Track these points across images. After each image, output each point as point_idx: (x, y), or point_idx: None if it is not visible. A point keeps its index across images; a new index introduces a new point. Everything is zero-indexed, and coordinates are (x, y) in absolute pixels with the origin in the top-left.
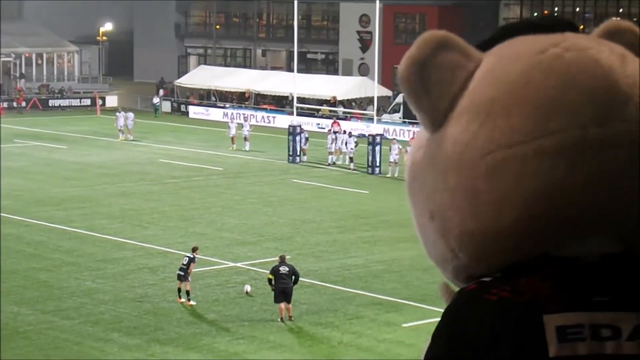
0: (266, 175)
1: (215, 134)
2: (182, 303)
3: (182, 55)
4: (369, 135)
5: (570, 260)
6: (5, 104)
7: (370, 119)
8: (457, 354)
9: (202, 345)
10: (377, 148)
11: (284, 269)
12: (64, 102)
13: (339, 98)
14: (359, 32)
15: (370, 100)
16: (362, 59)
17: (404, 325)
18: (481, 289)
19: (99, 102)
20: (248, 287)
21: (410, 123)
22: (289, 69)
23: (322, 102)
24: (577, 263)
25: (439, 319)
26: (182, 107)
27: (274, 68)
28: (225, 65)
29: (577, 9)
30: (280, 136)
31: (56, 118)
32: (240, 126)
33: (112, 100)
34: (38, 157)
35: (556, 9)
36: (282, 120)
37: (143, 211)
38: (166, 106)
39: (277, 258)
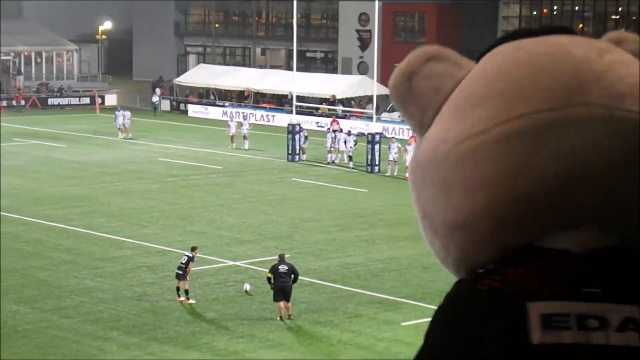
0: (265, 173)
1: (214, 133)
2: (181, 302)
3: (181, 53)
4: (368, 133)
5: (560, 252)
6: (4, 103)
7: (370, 118)
8: (452, 341)
9: (201, 344)
10: (376, 147)
11: (283, 268)
12: (63, 101)
13: (338, 97)
14: (358, 31)
15: (369, 99)
16: (362, 57)
17: (403, 323)
18: (475, 279)
19: (98, 100)
20: (247, 286)
21: None
22: (288, 67)
23: (321, 100)
24: (566, 255)
25: None
26: (181, 106)
27: (273, 67)
28: (225, 64)
29: (577, 8)
30: (280, 135)
31: (55, 117)
32: (239, 125)
33: (111, 99)
34: (37, 156)
35: (555, 7)
36: (282, 119)
37: (142, 210)
38: (165, 105)
39: (276, 257)
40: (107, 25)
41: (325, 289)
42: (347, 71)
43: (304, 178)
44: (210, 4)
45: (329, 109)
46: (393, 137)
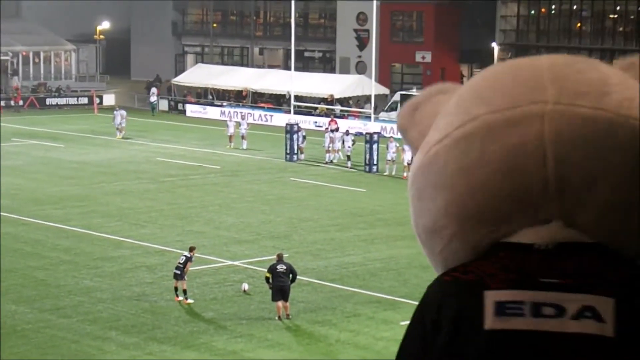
0: (263, 173)
1: (213, 133)
2: (179, 302)
3: (179, 53)
4: (366, 133)
5: (524, 245)
6: (3, 103)
7: (368, 117)
8: (416, 330)
9: (199, 344)
10: (375, 146)
11: (281, 267)
12: (62, 101)
13: (336, 96)
14: (356, 30)
15: (367, 99)
16: (360, 57)
17: (402, 323)
18: (444, 273)
19: (97, 100)
20: (245, 286)
21: None
22: (286, 67)
23: (319, 100)
24: (529, 248)
25: None
26: (179, 106)
27: (271, 66)
28: (223, 64)
29: (575, 7)
30: (278, 134)
31: (53, 116)
32: (238, 124)
33: (109, 99)
34: (35, 156)
35: (553, 6)
36: (280, 119)
37: (140, 210)
38: (163, 104)
39: (275, 256)
40: (105, 25)
41: (324, 288)
42: (345, 71)
43: (302, 178)
44: (208, 3)
45: (327, 109)
46: (391, 137)
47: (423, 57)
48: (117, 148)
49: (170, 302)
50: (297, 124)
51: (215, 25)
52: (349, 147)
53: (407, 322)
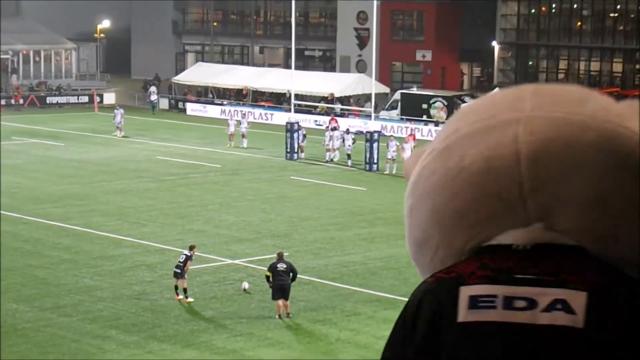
0: (264, 172)
1: (213, 131)
2: (179, 300)
3: (179, 52)
4: (367, 132)
5: (503, 246)
6: (3, 102)
7: (368, 116)
8: (400, 330)
9: (199, 342)
10: (375, 145)
11: (281, 266)
12: (62, 100)
13: (336, 95)
14: (356, 29)
15: (367, 97)
16: (360, 55)
17: None
18: (429, 276)
19: (97, 99)
20: (246, 284)
21: (407, 120)
22: (287, 66)
23: (319, 99)
24: (507, 248)
25: None
26: (180, 104)
27: (271, 65)
28: (223, 63)
29: (575, 6)
30: (278, 133)
31: (54, 115)
32: (238, 123)
33: (109, 98)
34: (35, 155)
35: (554, 5)
36: (280, 117)
37: (140, 208)
38: (164, 103)
39: (275, 255)
40: (106, 23)
41: (324, 287)
42: (345, 69)
43: (303, 176)
44: (208, 2)
45: (328, 108)
46: (391, 135)
47: (423, 56)
48: (117, 147)
49: (170, 300)
50: (298, 123)
51: (215, 24)
52: (349, 145)
53: None
